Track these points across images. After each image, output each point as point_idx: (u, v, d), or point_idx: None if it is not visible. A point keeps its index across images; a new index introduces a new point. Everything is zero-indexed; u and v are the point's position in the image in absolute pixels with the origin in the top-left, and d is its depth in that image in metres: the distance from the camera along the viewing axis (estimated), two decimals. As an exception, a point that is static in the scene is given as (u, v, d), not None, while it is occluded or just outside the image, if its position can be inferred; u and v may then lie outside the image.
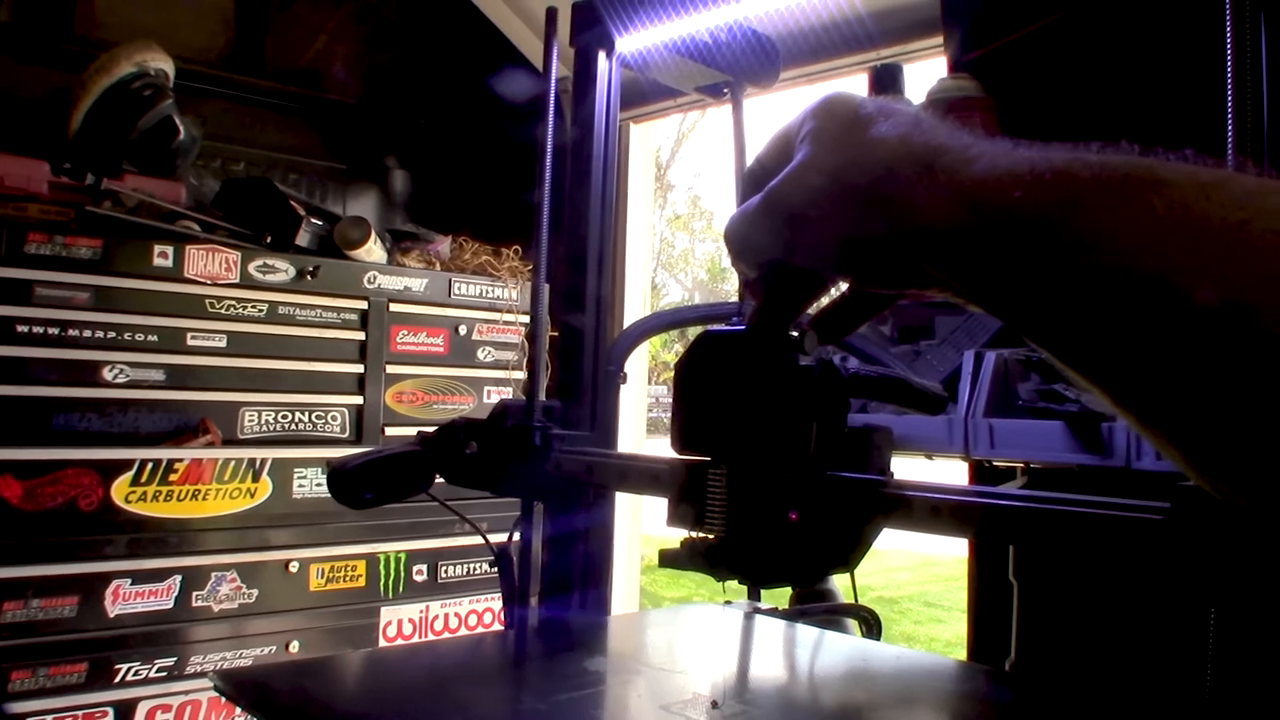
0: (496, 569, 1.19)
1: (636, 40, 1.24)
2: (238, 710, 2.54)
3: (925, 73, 1.97)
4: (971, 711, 0.99)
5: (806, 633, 1.22)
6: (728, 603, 1.27)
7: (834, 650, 1.18)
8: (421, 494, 1.20)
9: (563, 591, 1.17)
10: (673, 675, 0.95)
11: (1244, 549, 0.53)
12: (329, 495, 2.71)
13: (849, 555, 0.77)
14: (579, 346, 1.19)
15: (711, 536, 0.78)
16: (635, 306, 3.35)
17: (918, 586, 8.49)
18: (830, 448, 0.75)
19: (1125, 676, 1.46)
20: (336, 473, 1.13)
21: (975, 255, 0.47)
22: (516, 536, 1.20)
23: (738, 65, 1.28)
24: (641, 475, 0.91)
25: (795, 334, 0.73)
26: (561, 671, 0.99)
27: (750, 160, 0.64)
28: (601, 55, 1.24)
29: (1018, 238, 0.45)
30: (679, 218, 20.18)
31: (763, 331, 0.70)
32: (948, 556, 8.90)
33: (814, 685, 1.03)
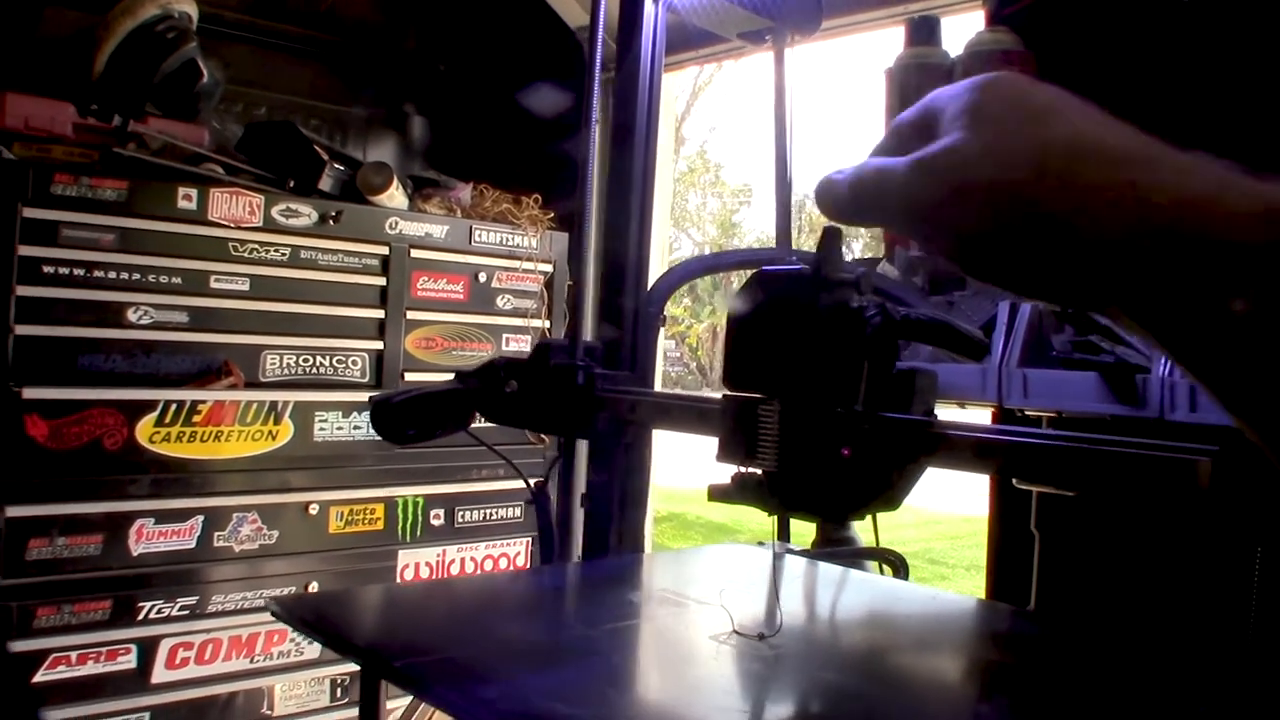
0: (534, 506, 1.21)
1: (683, -17, 1.24)
2: (258, 646, 2.58)
3: (963, 26, 1.95)
4: (1011, 645, 1.01)
5: (838, 572, 1.24)
6: (760, 543, 1.29)
7: (868, 589, 1.21)
8: (459, 432, 1.21)
9: (600, 529, 1.19)
10: (715, 609, 0.97)
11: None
12: (349, 439, 2.74)
13: (895, 492, 0.79)
14: (619, 288, 1.20)
15: (761, 472, 0.80)
16: (653, 259, 3.36)
17: (922, 544, 8.52)
18: (880, 388, 0.76)
19: (1145, 625, 1.49)
20: (381, 406, 1.14)
21: (1169, 282, 0.41)
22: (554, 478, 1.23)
23: (781, 11, 1.28)
24: (686, 413, 0.93)
25: (850, 276, 0.75)
26: (607, 603, 1.01)
27: (897, 117, 0.55)
28: (648, -2, 1.24)
29: (1228, 270, 0.39)
30: (692, 171, 20.09)
31: (821, 272, 0.72)
32: (952, 514, 8.95)
33: (854, 621, 1.06)
